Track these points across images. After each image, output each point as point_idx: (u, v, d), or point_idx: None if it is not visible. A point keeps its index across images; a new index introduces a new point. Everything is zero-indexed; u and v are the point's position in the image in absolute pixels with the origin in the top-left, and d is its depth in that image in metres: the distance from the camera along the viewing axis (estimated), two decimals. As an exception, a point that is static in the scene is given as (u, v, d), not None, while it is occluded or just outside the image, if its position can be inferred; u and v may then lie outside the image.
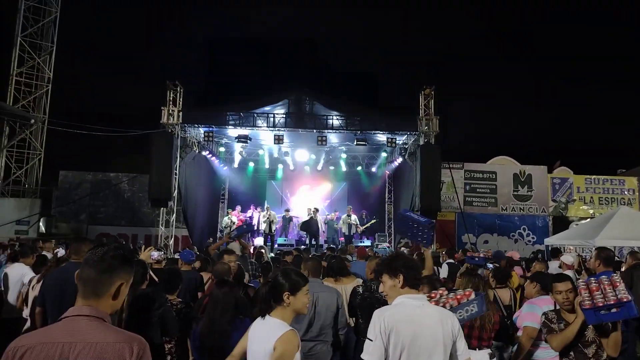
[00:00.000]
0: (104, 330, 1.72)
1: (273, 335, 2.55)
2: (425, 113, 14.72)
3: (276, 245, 16.06)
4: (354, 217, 16.72)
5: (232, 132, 15.45)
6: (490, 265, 7.52)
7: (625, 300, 3.04)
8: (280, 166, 19.12)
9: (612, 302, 3.05)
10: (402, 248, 14.47)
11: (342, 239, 16.76)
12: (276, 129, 14.80)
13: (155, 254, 6.02)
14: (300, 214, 18.21)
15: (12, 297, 6.19)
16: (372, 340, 2.46)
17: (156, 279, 4.65)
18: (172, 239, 14.93)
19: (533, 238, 18.30)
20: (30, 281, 5.65)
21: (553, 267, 8.17)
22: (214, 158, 17.57)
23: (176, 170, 14.17)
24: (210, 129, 15.03)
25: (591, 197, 19.08)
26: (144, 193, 17.66)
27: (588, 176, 19.36)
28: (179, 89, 14.37)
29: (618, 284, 3.16)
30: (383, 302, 2.99)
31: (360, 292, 4.58)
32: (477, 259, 7.55)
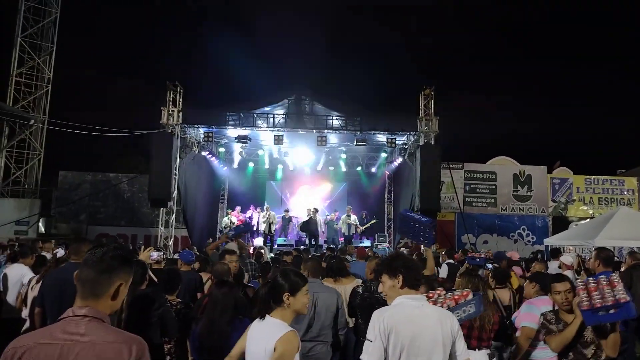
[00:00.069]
0: (103, 330, 1.72)
1: (273, 335, 2.55)
2: (425, 113, 14.73)
3: (276, 246, 16.05)
4: (353, 217, 16.72)
5: (232, 132, 15.44)
6: (489, 266, 7.52)
7: (623, 301, 3.02)
8: (280, 166, 19.10)
9: (610, 303, 3.04)
10: (402, 248, 14.48)
11: (341, 239, 16.76)
12: (276, 129, 14.79)
13: (155, 255, 6.02)
14: (299, 214, 18.21)
15: (11, 298, 6.19)
16: (371, 341, 2.45)
17: (156, 280, 4.65)
18: (172, 239, 14.93)
19: (533, 238, 18.30)
20: (29, 281, 5.65)
21: (553, 267, 8.17)
22: (213, 158, 17.57)
23: (176, 170, 14.17)
24: (210, 129, 15.02)
25: (591, 198, 19.08)
26: (144, 193, 17.65)
27: (588, 176, 19.36)
28: (178, 90, 14.37)
29: (616, 284, 3.14)
30: (383, 303, 2.99)
31: (360, 292, 4.58)
32: (478, 259, 7.54)
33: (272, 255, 11.90)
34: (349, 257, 9.65)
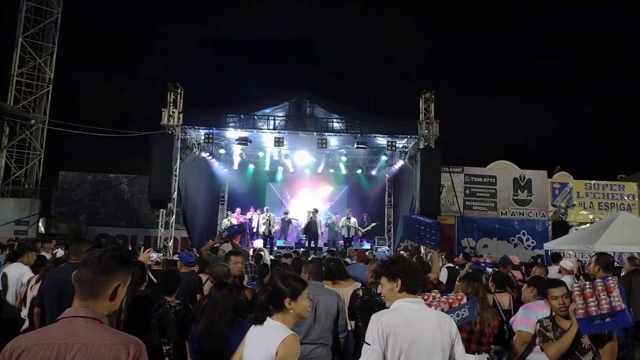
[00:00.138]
0: (101, 331, 1.72)
1: (274, 339, 2.54)
2: (425, 117, 14.73)
3: (275, 248, 16.04)
4: (353, 220, 16.73)
5: (232, 134, 15.43)
6: (489, 270, 7.50)
7: (619, 309, 2.98)
8: (280, 168, 19.11)
9: (605, 312, 3.00)
10: (402, 252, 14.47)
11: (341, 241, 16.76)
12: (276, 131, 14.80)
13: (155, 256, 6.02)
14: (299, 216, 18.21)
15: (10, 297, 6.19)
16: (369, 344, 2.45)
17: (155, 281, 4.64)
18: (172, 240, 14.91)
19: (532, 243, 18.28)
20: (28, 281, 5.65)
21: (553, 272, 8.16)
22: (214, 160, 17.58)
23: (176, 171, 14.16)
24: (211, 130, 15.01)
25: (591, 202, 19.08)
26: (144, 194, 17.65)
27: (588, 181, 19.36)
28: (179, 91, 14.38)
29: (613, 290, 3.09)
30: (383, 306, 2.98)
31: (360, 295, 4.57)
32: (482, 264, 7.50)
33: (271, 257, 11.89)
34: (348, 260, 9.65)
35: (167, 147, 13.70)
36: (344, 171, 18.87)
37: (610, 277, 3.27)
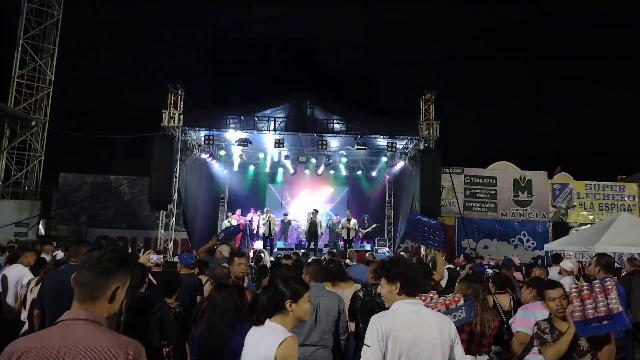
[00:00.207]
0: (100, 334, 1.72)
1: (273, 340, 2.53)
2: (425, 118, 14.73)
3: (275, 249, 16.03)
4: (353, 221, 16.71)
5: (233, 135, 15.44)
6: (489, 271, 7.49)
7: (616, 311, 2.95)
8: (280, 170, 19.10)
9: (602, 314, 2.98)
10: (402, 253, 14.47)
11: (342, 243, 16.75)
12: (277, 132, 14.80)
13: (155, 257, 6.01)
14: (299, 217, 18.20)
15: (10, 299, 6.19)
16: (369, 346, 2.45)
17: (155, 283, 4.64)
18: (172, 242, 14.91)
19: (533, 243, 18.28)
20: (28, 283, 5.65)
21: (553, 273, 8.16)
22: (214, 161, 17.57)
23: (176, 173, 14.17)
24: (211, 132, 15.02)
25: (591, 203, 19.07)
26: (144, 196, 17.65)
27: (588, 182, 19.36)
28: (180, 92, 14.39)
29: (611, 292, 3.07)
30: (383, 307, 2.98)
31: (361, 296, 4.56)
32: (485, 266, 7.46)
33: (272, 259, 11.88)
34: (348, 261, 9.65)
35: (168, 148, 13.70)
36: (344, 172, 18.87)
37: (608, 279, 3.25)
